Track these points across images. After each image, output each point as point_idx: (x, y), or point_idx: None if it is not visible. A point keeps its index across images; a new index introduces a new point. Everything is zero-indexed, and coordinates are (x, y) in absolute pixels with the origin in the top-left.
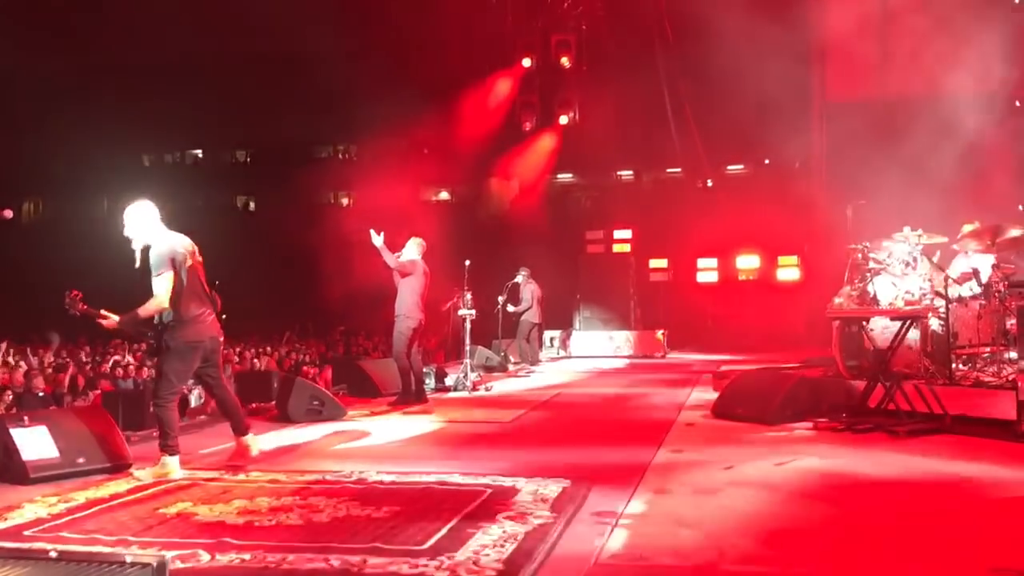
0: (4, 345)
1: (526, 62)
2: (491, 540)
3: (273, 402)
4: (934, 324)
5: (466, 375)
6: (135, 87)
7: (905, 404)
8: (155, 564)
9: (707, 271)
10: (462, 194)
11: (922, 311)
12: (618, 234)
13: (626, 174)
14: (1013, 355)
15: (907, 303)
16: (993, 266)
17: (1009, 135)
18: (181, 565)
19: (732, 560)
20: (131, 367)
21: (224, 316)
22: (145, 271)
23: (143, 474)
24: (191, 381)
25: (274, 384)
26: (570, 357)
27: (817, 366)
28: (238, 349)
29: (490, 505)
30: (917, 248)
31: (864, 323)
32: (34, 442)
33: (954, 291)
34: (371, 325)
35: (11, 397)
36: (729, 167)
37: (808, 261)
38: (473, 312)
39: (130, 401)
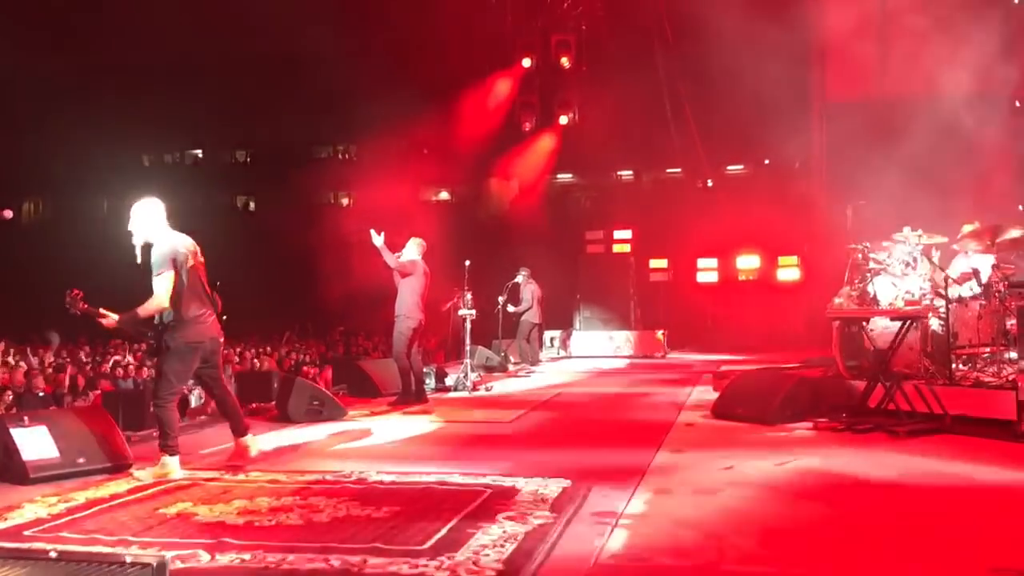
0: (2, 345)
1: (526, 62)
2: (491, 540)
3: (273, 402)
4: (934, 324)
5: (466, 375)
6: (135, 87)
7: (905, 404)
8: (155, 564)
9: (707, 271)
10: (462, 194)
11: (922, 311)
12: (618, 234)
13: (626, 174)
14: (1013, 355)
15: (907, 303)
16: (993, 266)
17: (1009, 135)
18: (181, 565)
19: (732, 560)
20: (131, 367)
21: (224, 317)
22: (146, 269)
23: (143, 474)
24: (191, 381)
25: (274, 384)
26: (570, 357)
27: (817, 366)
28: (238, 349)
29: (490, 505)
30: (917, 248)
31: (864, 323)
32: (34, 442)
33: (954, 291)
34: (371, 325)
35: (11, 397)
36: (729, 167)
37: (808, 261)
38: (473, 312)
39: (130, 401)
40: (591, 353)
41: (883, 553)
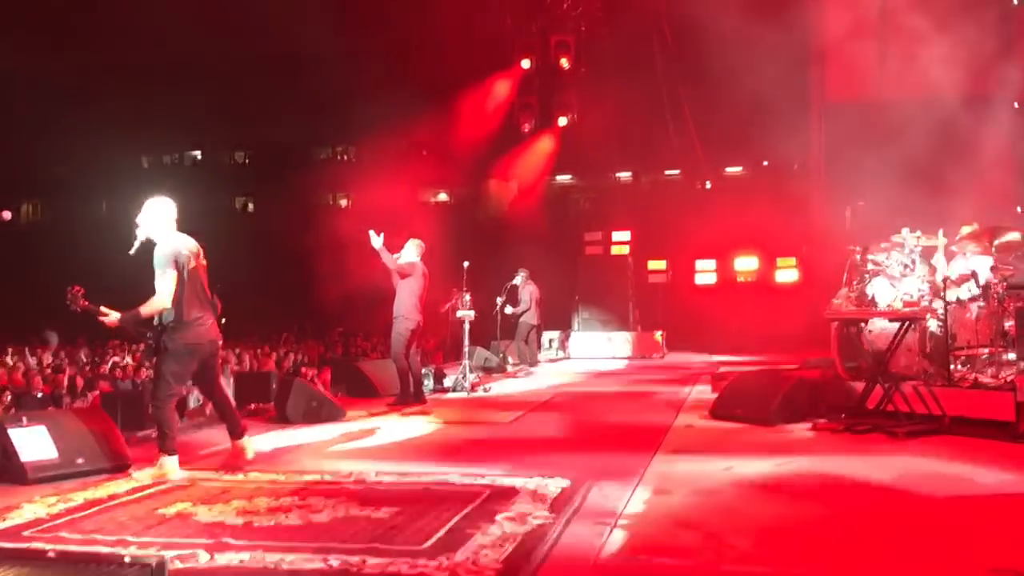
0: None
1: (525, 63)
2: (490, 540)
3: (272, 403)
4: (932, 325)
5: (465, 376)
6: (134, 88)
7: (904, 405)
8: (154, 564)
9: (706, 272)
10: (461, 195)
11: (920, 312)
12: (617, 235)
13: (625, 175)
14: (1011, 356)
15: (906, 304)
16: (991, 268)
17: (1008, 137)
18: (180, 565)
19: (731, 560)
20: (130, 368)
21: (224, 320)
22: (140, 261)
23: (142, 475)
24: (188, 383)
25: (273, 385)
26: (569, 358)
27: (816, 367)
28: (237, 350)
29: (489, 505)
30: (916, 250)
31: (863, 325)
32: (33, 443)
33: (952, 293)
34: (370, 326)
35: (10, 398)
36: (727, 168)
37: (807, 262)
38: (472, 313)
39: (129, 402)
40: (590, 354)
41: (882, 553)
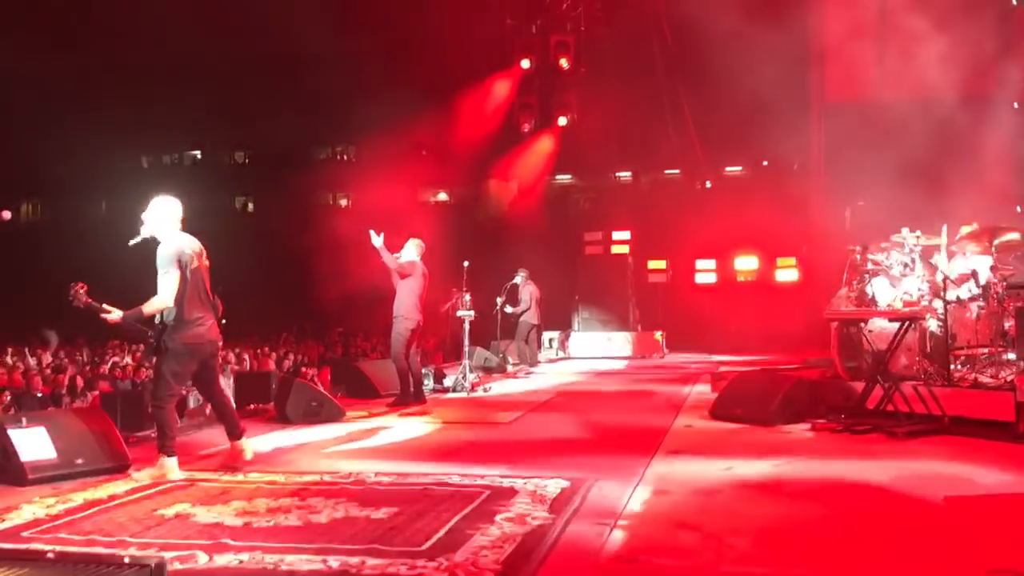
0: None
1: (525, 63)
2: (490, 541)
3: (272, 403)
4: (932, 325)
5: (465, 376)
6: (134, 88)
7: (903, 405)
8: (153, 565)
9: (705, 272)
10: (461, 195)
11: (920, 312)
12: (616, 235)
13: (624, 175)
14: (1011, 356)
15: (905, 304)
16: (991, 267)
17: (1007, 137)
18: (179, 566)
19: (730, 561)
20: (129, 368)
21: (224, 321)
22: (141, 256)
23: (141, 475)
24: (188, 383)
25: (273, 385)
26: (569, 358)
27: (816, 367)
28: (237, 350)
29: (489, 506)
30: (916, 249)
31: (863, 324)
32: (32, 443)
33: (952, 293)
34: (369, 326)
35: (9, 398)
36: (727, 168)
37: (806, 262)
38: (472, 313)
39: (128, 402)
40: (590, 354)
41: (881, 554)
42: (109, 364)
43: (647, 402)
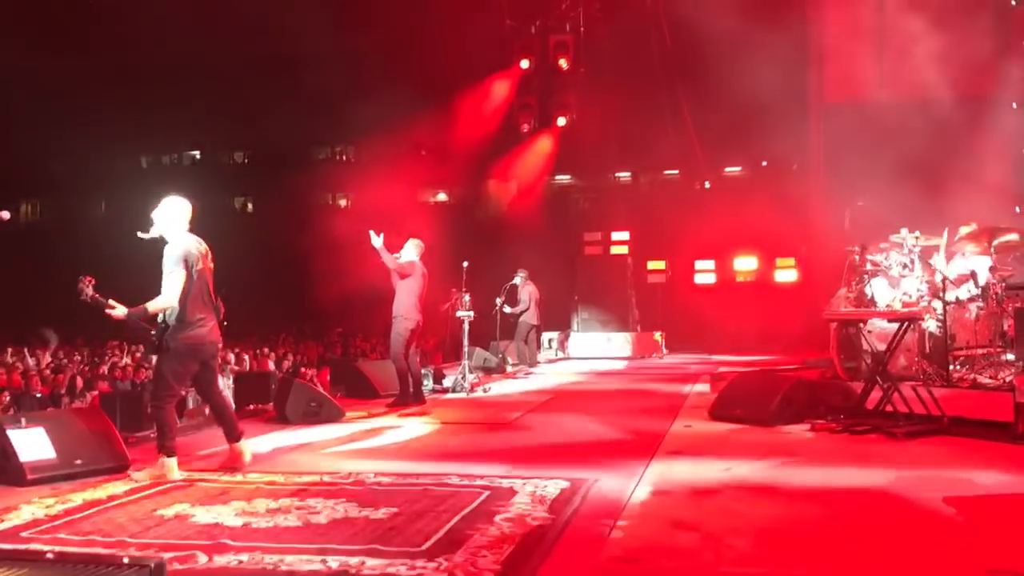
0: None
1: (524, 64)
2: (489, 541)
3: (271, 403)
4: (931, 326)
5: (464, 376)
6: (133, 89)
7: (903, 406)
8: (152, 566)
9: (705, 273)
10: (460, 195)
11: (919, 313)
12: (616, 236)
13: (624, 176)
14: (1010, 357)
15: (904, 305)
16: (990, 268)
17: (1006, 137)
18: (179, 567)
19: (730, 561)
20: (129, 368)
21: (226, 323)
22: (147, 268)
23: (141, 475)
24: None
25: (272, 386)
26: (568, 358)
27: (815, 367)
28: (236, 350)
29: (488, 506)
30: (915, 250)
31: (862, 325)
32: (31, 443)
33: (951, 293)
34: (369, 326)
35: (9, 398)
36: (726, 169)
37: (806, 263)
38: (471, 314)
39: (128, 402)
40: (589, 354)
41: (880, 554)
42: (108, 364)
43: (647, 402)
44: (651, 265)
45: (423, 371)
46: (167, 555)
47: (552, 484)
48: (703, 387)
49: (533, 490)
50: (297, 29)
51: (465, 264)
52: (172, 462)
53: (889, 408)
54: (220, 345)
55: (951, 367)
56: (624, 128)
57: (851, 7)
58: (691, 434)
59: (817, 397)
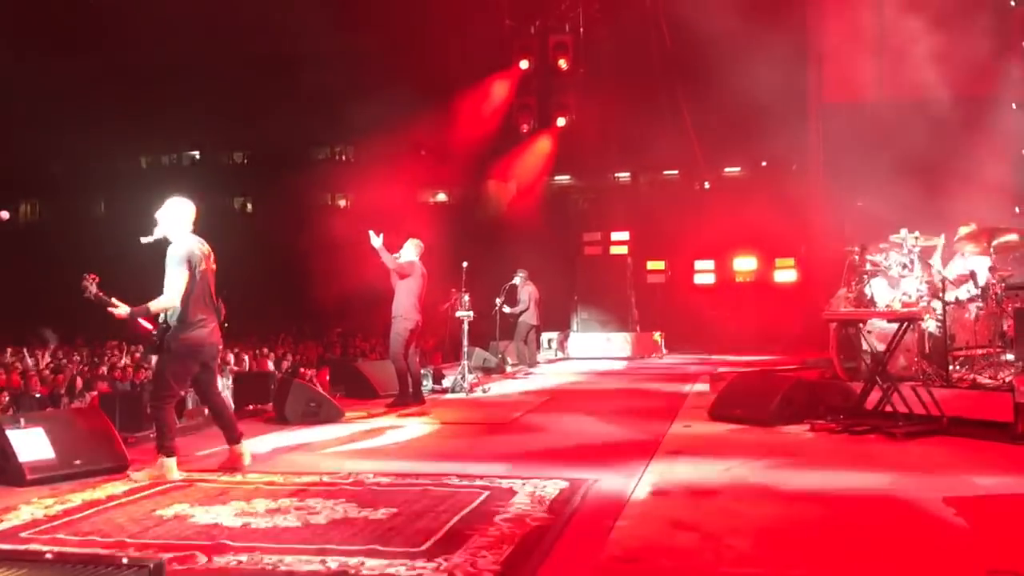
0: None
1: (523, 64)
2: (488, 542)
3: (270, 404)
4: (931, 326)
5: (464, 377)
6: (133, 89)
7: (902, 406)
8: (152, 566)
9: (704, 273)
10: (459, 196)
11: (919, 313)
12: (615, 236)
13: (623, 176)
14: (1010, 357)
15: (904, 305)
16: (990, 268)
17: (1006, 137)
18: (178, 567)
19: (729, 562)
20: (128, 369)
21: (227, 325)
22: (159, 257)
23: (140, 476)
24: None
25: (272, 386)
26: (568, 359)
27: (815, 368)
28: (235, 351)
29: (488, 507)
30: (914, 250)
31: (861, 325)
32: (31, 444)
33: (951, 293)
34: (368, 327)
35: (8, 398)
36: (726, 169)
37: (805, 263)
38: (471, 314)
39: (127, 403)
40: (589, 354)
41: (880, 554)
42: (108, 365)
43: (646, 402)
44: (650, 265)
45: (422, 371)
46: (166, 555)
47: (551, 484)
48: (703, 387)
49: (532, 490)
50: (297, 29)
51: (464, 264)
52: (171, 462)
53: (888, 408)
54: (220, 347)
55: (950, 367)
56: (623, 128)
57: (850, 8)
58: (691, 434)
59: (817, 397)
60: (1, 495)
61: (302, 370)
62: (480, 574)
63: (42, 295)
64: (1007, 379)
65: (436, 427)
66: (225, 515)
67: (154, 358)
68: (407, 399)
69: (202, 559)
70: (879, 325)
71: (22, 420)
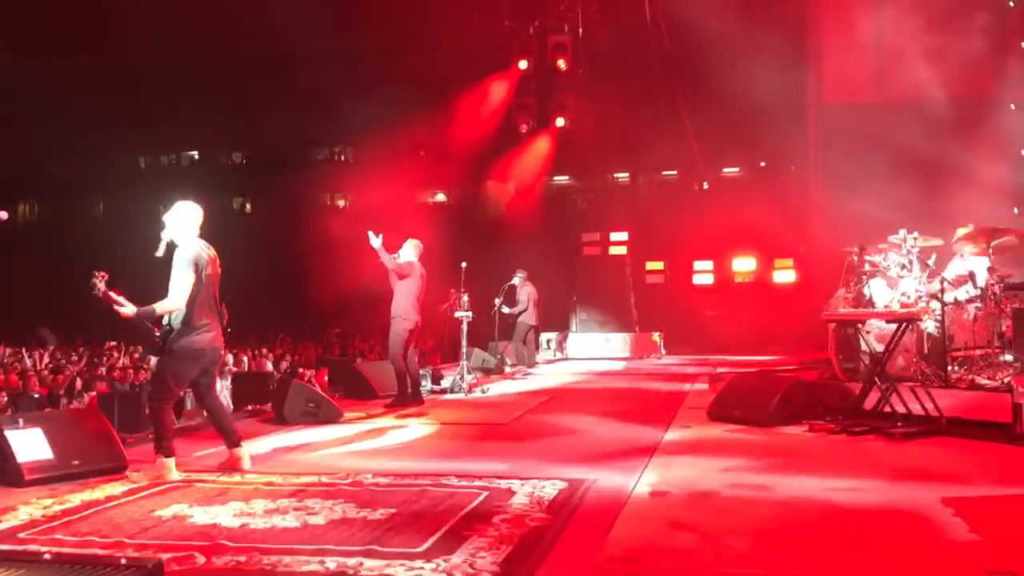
0: None
1: (522, 64)
2: (487, 542)
3: (269, 404)
4: (930, 327)
5: (463, 377)
6: (131, 89)
7: (901, 407)
8: (150, 567)
9: (703, 273)
10: (458, 196)
11: (918, 314)
12: (614, 236)
13: (622, 176)
14: (1008, 358)
15: (903, 305)
16: (988, 269)
17: (1004, 137)
18: (176, 568)
19: (728, 562)
20: (129, 372)
21: (229, 330)
22: (166, 263)
23: (138, 476)
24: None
25: (270, 386)
26: (567, 359)
27: (813, 368)
28: (234, 351)
29: (486, 507)
30: (913, 251)
31: (860, 325)
32: (29, 444)
33: (950, 294)
34: (367, 327)
35: (6, 399)
36: (725, 169)
37: (804, 263)
38: (470, 314)
39: (126, 403)
40: (588, 355)
41: (878, 555)
42: (107, 366)
43: (645, 403)
44: (649, 266)
45: (421, 372)
46: (165, 556)
47: (550, 485)
48: (701, 387)
49: (531, 491)
50: (296, 29)
51: (463, 265)
52: (170, 463)
53: (887, 409)
54: (222, 351)
55: (949, 368)
56: (622, 129)
57: (849, 8)
58: (689, 434)
59: (815, 398)
60: (0, 496)
61: (301, 370)
62: (479, 574)
63: (41, 295)
64: (1006, 380)
65: (435, 427)
66: (224, 515)
67: (153, 359)
68: (406, 399)
69: (200, 559)
70: (878, 325)
71: (21, 420)
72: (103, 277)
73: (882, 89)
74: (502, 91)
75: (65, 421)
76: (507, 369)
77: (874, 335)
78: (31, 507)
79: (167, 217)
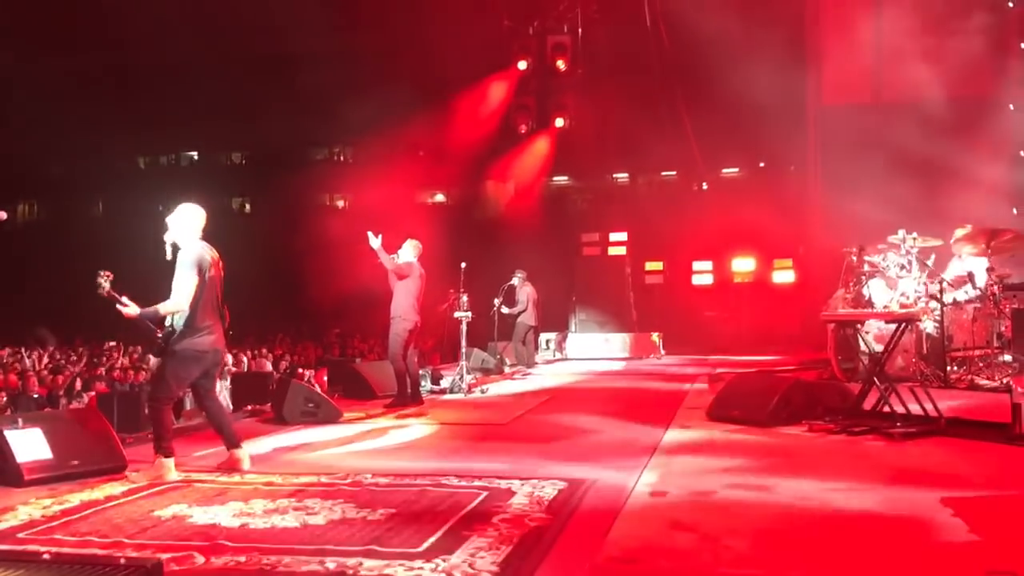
0: None
1: (522, 65)
2: (487, 543)
3: (269, 404)
4: (929, 327)
5: (462, 377)
6: (131, 89)
7: (900, 407)
8: (149, 567)
9: (702, 274)
10: (458, 196)
11: (917, 314)
12: (614, 236)
13: (621, 177)
14: (1007, 358)
15: (902, 306)
16: (987, 269)
17: (1004, 138)
18: (176, 568)
19: (727, 563)
20: (129, 372)
21: (231, 332)
22: (172, 266)
23: (138, 476)
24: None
25: (270, 386)
26: (566, 359)
27: (813, 368)
28: (234, 351)
29: (486, 507)
30: (912, 251)
31: (859, 326)
32: (29, 444)
33: (949, 294)
34: (367, 327)
35: (5, 399)
36: (724, 170)
37: (803, 264)
38: (469, 314)
39: (125, 403)
40: (587, 355)
41: (878, 555)
42: (107, 366)
43: (644, 403)
44: (649, 266)
45: (421, 372)
46: (164, 556)
47: (550, 485)
48: (701, 387)
49: (531, 491)
50: (295, 29)
51: (463, 265)
52: (169, 463)
53: (886, 409)
54: (223, 353)
55: (948, 368)
56: (622, 129)
57: (848, 9)
58: (689, 435)
59: (815, 398)
60: None
61: (300, 370)
62: (478, 575)
63: (41, 295)
64: (1005, 380)
65: (434, 428)
66: (223, 515)
67: (154, 359)
68: (405, 400)
69: (200, 560)
70: (877, 326)
71: (20, 421)
72: (108, 276)
73: (881, 90)
74: (501, 91)
75: (64, 421)
76: (506, 369)
77: (873, 335)
78: (30, 507)
79: (170, 219)
